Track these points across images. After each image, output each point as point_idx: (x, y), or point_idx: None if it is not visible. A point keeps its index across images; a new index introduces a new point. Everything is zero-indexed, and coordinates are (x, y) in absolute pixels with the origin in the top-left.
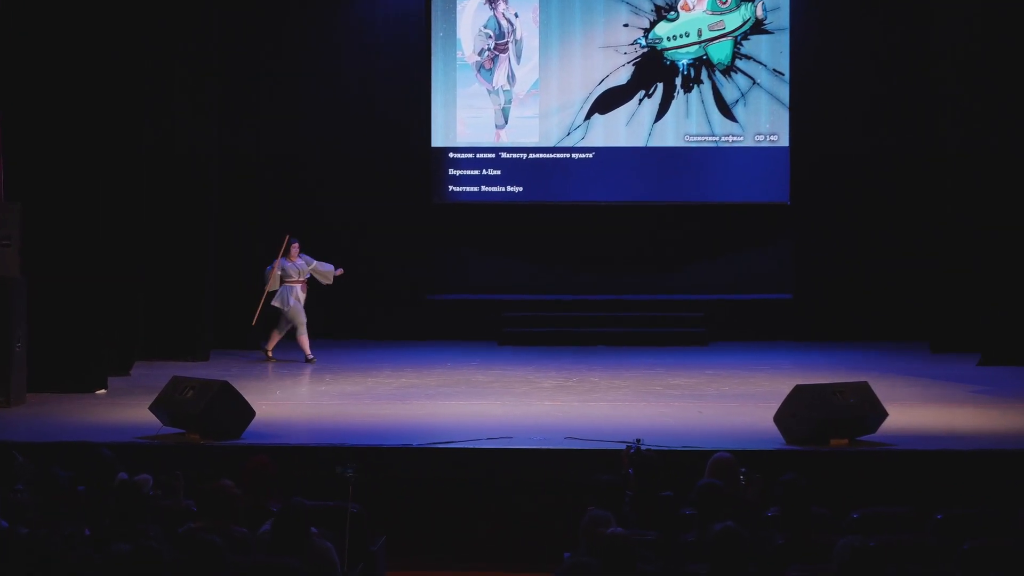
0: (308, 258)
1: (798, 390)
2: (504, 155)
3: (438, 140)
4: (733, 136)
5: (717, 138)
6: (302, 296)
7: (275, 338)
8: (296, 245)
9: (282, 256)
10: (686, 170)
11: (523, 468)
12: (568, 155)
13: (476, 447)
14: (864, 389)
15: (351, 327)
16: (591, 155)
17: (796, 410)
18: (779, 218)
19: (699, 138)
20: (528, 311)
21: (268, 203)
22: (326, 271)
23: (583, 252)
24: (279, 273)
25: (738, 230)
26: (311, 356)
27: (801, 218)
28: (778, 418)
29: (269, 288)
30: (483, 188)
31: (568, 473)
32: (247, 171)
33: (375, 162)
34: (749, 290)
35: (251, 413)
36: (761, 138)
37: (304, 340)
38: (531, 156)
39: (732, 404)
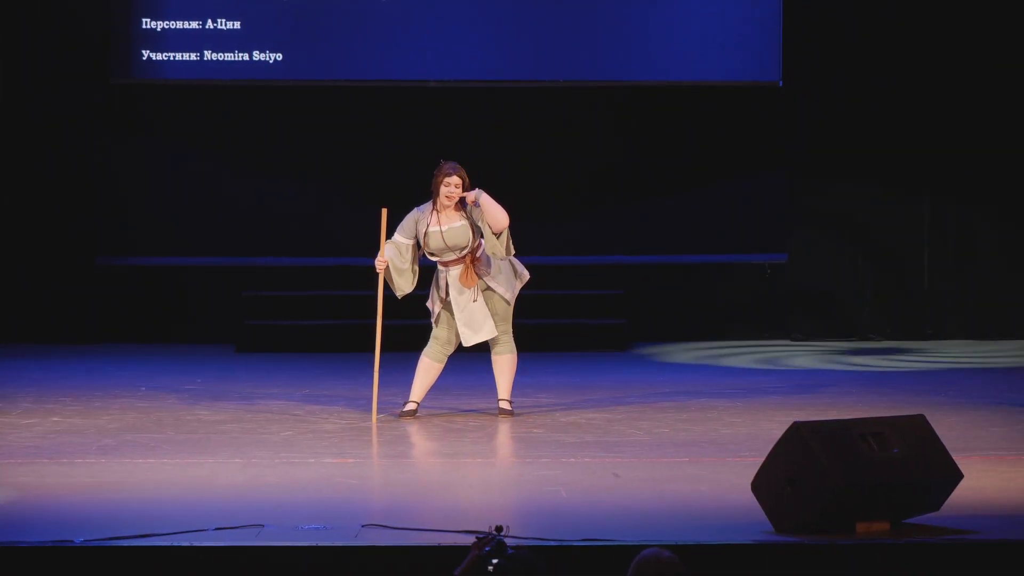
0: (478, 193)
1: (797, 432)
2: None
3: None
4: None
5: None
6: (475, 286)
7: (427, 378)
8: (455, 172)
9: (437, 197)
10: (594, 22)
11: None
12: None
13: (196, 545)
14: (919, 429)
15: None
16: None
17: (793, 471)
18: (765, 112)
19: None
20: (289, 288)
21: None
22: (498, 218)
23: (393, 180)
24: (410, 242)
25: (686, 135)
26: (507, 401)
27: (804, 112)
28: (760, 486)
29: (398, 288)
30: (208, 55)
31: None
32: None
33: None
34: (706, 248)
35: None
36: None
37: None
38: None
39: (674, 458)
